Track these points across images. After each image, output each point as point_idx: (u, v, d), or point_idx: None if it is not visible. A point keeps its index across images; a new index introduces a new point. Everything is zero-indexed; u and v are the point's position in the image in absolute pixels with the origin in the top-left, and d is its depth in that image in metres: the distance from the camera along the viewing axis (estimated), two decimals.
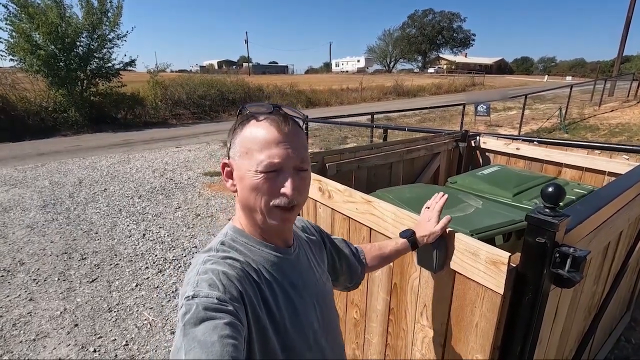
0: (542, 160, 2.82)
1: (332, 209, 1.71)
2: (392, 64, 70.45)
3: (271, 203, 0.70)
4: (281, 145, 0.68)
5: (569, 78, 42.30)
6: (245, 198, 0.71)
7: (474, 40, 67.63)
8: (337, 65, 73.90)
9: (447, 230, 1.14)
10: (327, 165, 2.24)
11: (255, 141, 0.68)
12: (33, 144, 9.98)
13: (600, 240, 1.31)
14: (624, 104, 14.01)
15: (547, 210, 0.96)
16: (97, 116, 12.75)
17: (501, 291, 1.02)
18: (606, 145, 2.69)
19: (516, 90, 14.99)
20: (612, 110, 12.79)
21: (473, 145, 3.23)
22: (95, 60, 12.67)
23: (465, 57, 73.10)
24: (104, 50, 12.75)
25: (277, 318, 0.70)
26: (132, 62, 13.60)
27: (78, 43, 12.05)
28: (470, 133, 3.20)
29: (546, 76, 51.84)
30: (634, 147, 2.34)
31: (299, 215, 0.85)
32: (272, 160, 0.68)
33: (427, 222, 1.13)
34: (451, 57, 70.78)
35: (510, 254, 0.99)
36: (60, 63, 11.79)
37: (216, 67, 62.92)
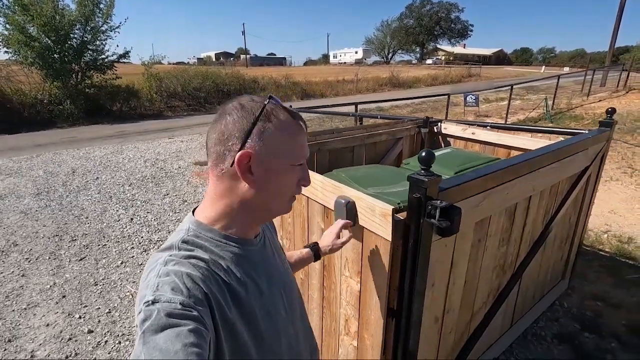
0: (494, 143, 3.04)
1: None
2: (390, 55, 70.19)
3: (294, 194, 0.74)
4: (305, 139, 0.73)
5: (566, 69, 42.27)
6: (271, 193, 0.71)
7: (471, 31, 67.11)
8: (335, 56, 73.59)
9: (354, 192, 1.37)
10: None
11: (291, 136, 0.69)
12: (29, 135, 10.17)
13: (495, 203, 1.53)
14: (612, 94, 14.18)
15: (422, 171, 1.19)
16: (93, 108, 12.91)
17: (389, 238, 1.25)
18: (545, 128, 2.91)
19: (505, 81, 15.16)
20: (600, 101, 12.97)
21: (435, 131, 3.45)
22: (89, 52, 12.80)
23: (464, 47, 72.81)
24: (98, 42, 12.87)
25: (247, 311, 0.70)
26: (125, 54, 13.73)
27: (72, 35, 12.18)
28: (432, 119, 3.42)
29: (543, 67, 51.79)
30: (569, 130, 2.56)
31: None
32: (304, 153, 0.72)
33: (329, 235, 1.26)
34: (449, 48, 70.49)
35: (393, 207, 1.22)
36: (55, 55, 11.93)
37: (214, 59, 62.77)
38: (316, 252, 1.23)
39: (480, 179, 1.39)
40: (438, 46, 71.67)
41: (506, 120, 10.33)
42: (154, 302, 0.56)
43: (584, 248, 3.52)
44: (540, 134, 2.73)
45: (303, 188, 0.77)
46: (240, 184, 0.69)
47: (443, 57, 64.60)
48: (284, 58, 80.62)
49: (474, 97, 11.42)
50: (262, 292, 0.75)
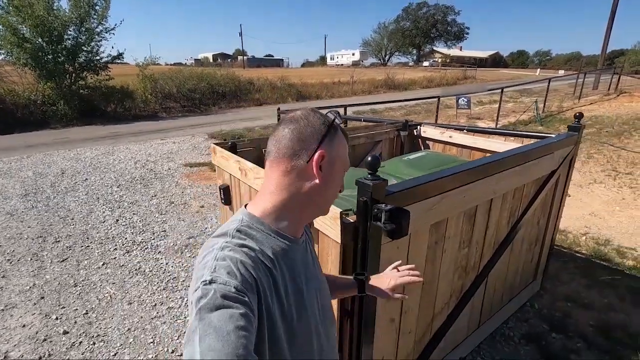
0: (470, 147, 3.08)
1: (249, 185, 1.97)
2: (387, 57, 70.36)
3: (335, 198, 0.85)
4: None
5: (561, 72, 42.50)
6: (330, 193, 0.80)
7: (467, 33, 67.46)
8: (332, 58, 73.73)
9: None
10: (263, 150, 2.49)
11: (345, 147, 0.81)
12: (22, 136, 10.14)
13: (451, 206, 1.57)
14: (604, 98, 14.28)
15: (369, 175, 1.23)
16: (87, 109, 12.86)
17: (339, 240, 1.28)
18: (517, 132, 2.97)
19: (499, 84, 15.24)
20: (590, 104, 13.07)
21: (415, 134, 3.49)
22: (84, 53, 12.79)
23: (460, 50, 73.08)
24: (92, 44, 12.87)
25: (285, 306, 0.73)
26: (119, 56, 13.72)
27: (66, 36, 12.17)
28: (411, 123, 3.46)
29: (539, 70, 52.08)
30: (539, 134, 2.61)
31: None
32: (349, 163, 0.84)
33: (387, 279, 1.10)
34: (446, 51, 70.74)
35: (341, 210, 1.26)
36: (48, 56, 11.90)
37: (211, 60, 62.78)
38: (361, 284, 1.10)
39: (433, 183, 1.43)
40: (435, 48, 71.97)
41: (497, 123, 10.41)
42: (211, 282, 0.61)
43: (561, 250, 3.57)
44: (513, 137, 2.78)
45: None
46: (305, 180, 0.75)
47: (439, 60, 64.83)
48: (282, 59, 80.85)
49: (465, 100, 11.50)
50: (301, 290, 0.78)
